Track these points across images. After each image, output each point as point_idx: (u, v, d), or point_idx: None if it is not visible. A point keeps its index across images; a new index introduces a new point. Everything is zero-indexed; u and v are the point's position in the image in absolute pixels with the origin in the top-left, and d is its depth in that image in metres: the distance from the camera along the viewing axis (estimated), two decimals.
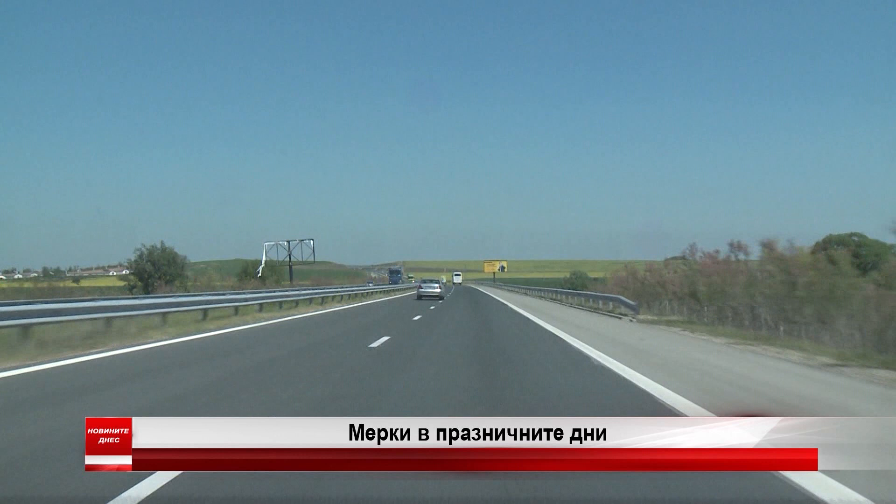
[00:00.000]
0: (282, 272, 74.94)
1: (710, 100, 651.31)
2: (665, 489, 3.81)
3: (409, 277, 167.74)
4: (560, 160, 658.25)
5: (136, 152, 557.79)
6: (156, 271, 56.03)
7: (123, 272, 62.33)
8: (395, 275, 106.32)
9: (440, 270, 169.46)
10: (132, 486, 3.63)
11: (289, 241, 72.62)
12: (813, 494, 3.82)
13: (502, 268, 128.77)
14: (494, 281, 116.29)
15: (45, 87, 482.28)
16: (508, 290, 67.81)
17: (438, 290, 42.50)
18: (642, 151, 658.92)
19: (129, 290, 52.41)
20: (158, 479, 3.70)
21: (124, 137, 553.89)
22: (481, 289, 79.56)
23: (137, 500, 3.53)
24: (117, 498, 3.52)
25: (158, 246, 57.22)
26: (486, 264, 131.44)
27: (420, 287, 43.94)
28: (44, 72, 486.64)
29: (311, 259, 71.70)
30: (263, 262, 66.99)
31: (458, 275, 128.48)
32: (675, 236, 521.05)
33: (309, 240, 71.56)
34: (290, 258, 70.86)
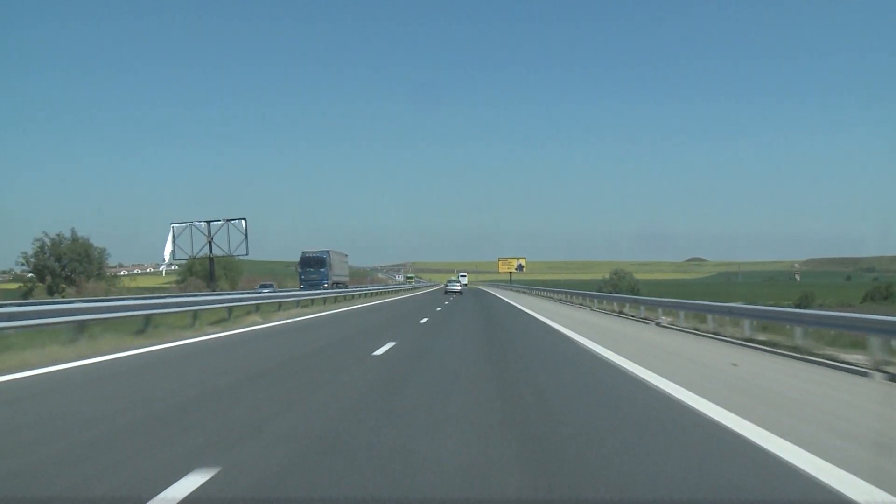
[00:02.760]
0: (234, 268, 61.14)
1: (712, 101, 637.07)
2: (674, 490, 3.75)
3: (409, 278, 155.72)
4: (565, 161, 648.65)
5: (137, 151, 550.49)
6: (61, 269, 43.20)
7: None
8: (311, 269, 55.92)
9: (451, 272, 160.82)
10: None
11: (209, 223, 53.14)
12: (844, 495, 3.82)
13: (520, 266, 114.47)
14: (511, 282, 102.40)
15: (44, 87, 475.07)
16: (560, 301, 40.27)
17: (459, 287, 65.72)
18: (646, 153, 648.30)
19: (25, 295, 39.73)
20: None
21: (127, 137, 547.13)
22: (497, 293, 64.88)
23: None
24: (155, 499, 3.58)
25: (68, 235, 44.39)
26: (500, 263, 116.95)
27: (447, 285, 68.74)
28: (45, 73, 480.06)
29: (244, 251, 52.54)
30: (167, 254, 51.17)
31: (464, 276, 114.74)
32: (679, 238, 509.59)
33: (239, 220, 51.45)
34: (210, 249, 52.64)
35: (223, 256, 54.21)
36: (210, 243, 52.44)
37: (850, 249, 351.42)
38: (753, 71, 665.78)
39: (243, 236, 51.15)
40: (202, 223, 52.67)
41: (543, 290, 55.96)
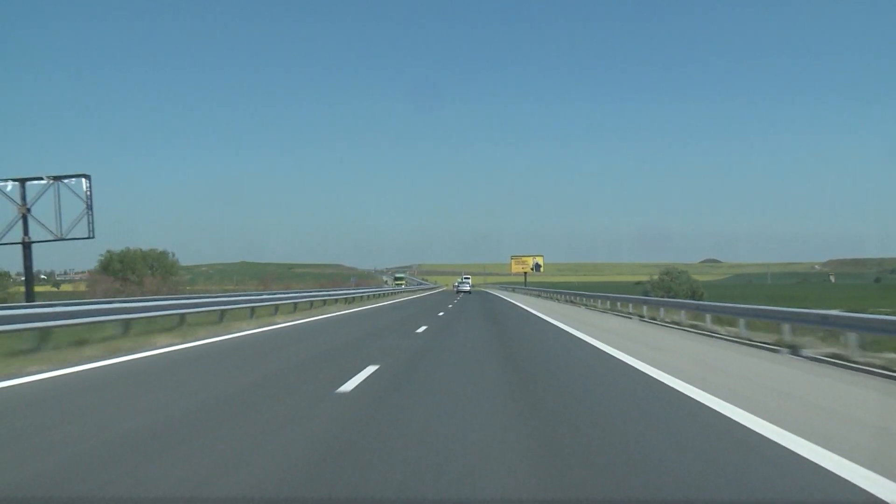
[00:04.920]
0: (166, 266, 47.23)
1: (722, 102, 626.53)
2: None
3: (399, 280, 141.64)
4: (574, 162, 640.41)
5: (135, 153, 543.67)
6: None
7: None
8: None
9: (458, 273, 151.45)
10: None
11: (23, 182, 31.58)
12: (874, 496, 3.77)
13: (537, 266, 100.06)
14: (526, 284, 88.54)
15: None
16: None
17: (468, 288, 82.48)
18: (655, 153, 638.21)
19: None
20: None
21: (122, 137, 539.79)
22: (516, 302, 49.11)
23: None
24: None
25: None
26: (513, 262, 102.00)
27: (456, 286, 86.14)
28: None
29: (86, 231, 31.89)
30: None
31: (468, 278, 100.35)
32: (692, 239, 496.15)
33: (77, 177, 31.69)
34: (24, 228, 31.52)
35: (55, 241, 32.55)
36: (25, 218, 31.29)
37: (863, 250, 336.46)
38: (757, 72, 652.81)
39: (85, 207, 31.17)
40: (8, 183, 31.12)
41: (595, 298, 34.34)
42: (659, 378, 8.57)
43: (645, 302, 25.03)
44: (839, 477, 4.21)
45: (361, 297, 42.31)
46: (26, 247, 31.99)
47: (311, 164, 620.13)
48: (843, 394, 7.79)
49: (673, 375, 8.73)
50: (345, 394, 7.22)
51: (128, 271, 42.54)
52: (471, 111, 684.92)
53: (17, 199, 31.53)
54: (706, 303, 17.87)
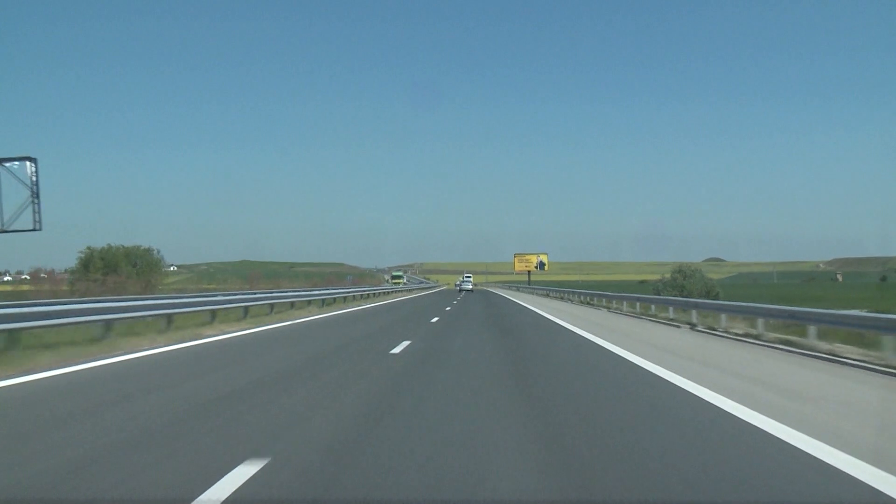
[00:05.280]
0: (149, 263, 42.69)
1: (725, 102, 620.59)
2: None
3: (397, 278, 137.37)
4: (577, 161, 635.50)
5: (137, 153, 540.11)
6: None
7: None
8: None
9: (460, 272, 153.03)
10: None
11: None
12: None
13: (541, 264, 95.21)
14: (530, 283, 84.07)
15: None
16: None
17: (470, 286, 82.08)
18: (657, 153, 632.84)
19: None
20: None
21: (124, 137, 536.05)
22: (533, 308, 44.08)
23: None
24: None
25: None
26: (517, 261, 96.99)
27: (458, 285, 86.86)
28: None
29: (30, 223, 25.44)
30: None
31: (469, 277, 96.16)
32: (694, 239, 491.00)
33: (20, 160, 25.71)
34: None
35: None
36: None
37: (866, 249, 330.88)
38: (758, 72, 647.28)
39: (30, 195, 25.96)
40: None
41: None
42: None
43: (695, 305, 20.14)
44: None
45: (345, 297, 37.45)
46: None
47: (312, 163, 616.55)
48: None
49: None
50: None
51: (105, 269, 38.67)
52: (471, 111, 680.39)
53: None
54: (806, 309, 12.98)
